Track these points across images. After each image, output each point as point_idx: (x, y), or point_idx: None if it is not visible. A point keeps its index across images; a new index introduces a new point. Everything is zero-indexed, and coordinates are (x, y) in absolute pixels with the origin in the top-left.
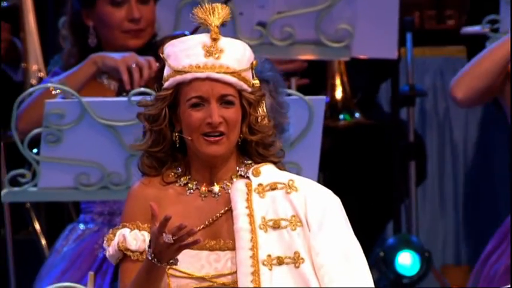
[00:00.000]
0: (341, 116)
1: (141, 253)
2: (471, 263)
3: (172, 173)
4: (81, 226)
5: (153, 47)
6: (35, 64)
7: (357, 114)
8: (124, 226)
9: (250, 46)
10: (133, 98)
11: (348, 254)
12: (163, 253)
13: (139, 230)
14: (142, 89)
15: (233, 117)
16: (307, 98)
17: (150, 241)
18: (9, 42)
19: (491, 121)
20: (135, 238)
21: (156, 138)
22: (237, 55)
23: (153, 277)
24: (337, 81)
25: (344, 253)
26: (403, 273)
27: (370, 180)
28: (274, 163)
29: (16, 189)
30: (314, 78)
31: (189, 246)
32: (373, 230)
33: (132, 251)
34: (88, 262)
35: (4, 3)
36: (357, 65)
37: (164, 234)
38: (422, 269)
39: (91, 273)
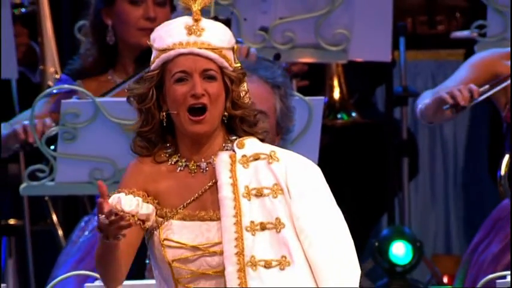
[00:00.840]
0: (339, 115)
1: (133, 215)
2: (460, 252)
3: (163, 153)
4: (96, 218)
5: None
6: (52, 66)
7: (354, 114)
8: (120, 191)
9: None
10: None
11: (327, 218)
12: (105, 231)
13: (134, 196)
14: None
15: (215, 91)
16: (307, 98)
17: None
18: (28, 46)
19: (478, 120)
20: (130, 201)
21: (145, 117)
22: (218, 34)
23: (105, 250)
24: (335, 83)
25: (323, 217)
26: (397, 262)
27: (365, 175)
28: (260, 140)
29: (34, 183)
30: (313, 79)
31: (124, 228)
32: (369, 222)
33: (125, 212)
34: None
35: (23, 10)
36: (354, 69)
37: (102, 216)
38: (415, 258)
39: None
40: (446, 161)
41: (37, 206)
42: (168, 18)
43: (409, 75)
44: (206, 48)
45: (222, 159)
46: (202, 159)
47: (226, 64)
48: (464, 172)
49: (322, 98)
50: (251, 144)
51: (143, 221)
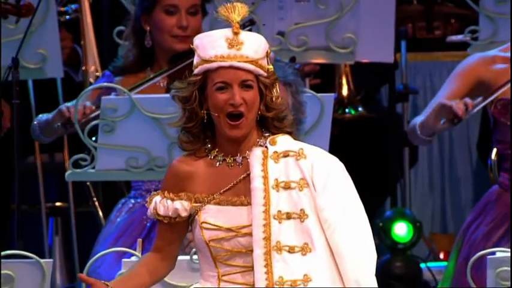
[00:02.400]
0: (347, 110)
1: (170, 218)
2: (455, 231)
3: (203, 149)
4: (132, 201)
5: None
6: (93, 67)
7: (360, 109)
8: (157, 194)
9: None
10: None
11: (348, 208)
12: None
13: (167, 199)
14: None
15: (252, 99)
16: (319, 95)
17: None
18: (72, 49)
19: (470, 116)
20: (163, 205)
21: (189, 116)
22: (254, 46)
23: None
24: (344, 81)
25: (344, 208)
26: (399, 241)
27: (371, 163)
28: (289, 133)
29: (78, 170)
30: (324, 78)
31: None
32: (374, 205)
33: (162, 216)
34: (138, 230)
35: (67, 17)
36: (361, 69)
37: None
38: (414, 236)
39: (139, 240)
40: (442, 151)
41: (80, 191)
42: (199, 26)
43: (409, 74)
44: (245, 61)
45: (256, 154)
46: (238, 154)
47: (261, 72)
48: (458, 161)
49: (332, 94)
50: (282, 142)
51: (176, 217)
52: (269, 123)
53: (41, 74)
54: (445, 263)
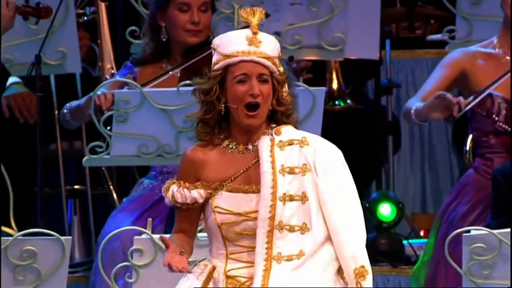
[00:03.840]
0: (336, 102)
1: (188, 204)
2: (434, 211)
3: (217, 139)
4: (147, 181)
5: (207, 44)
6: (109, 63)
7: (349, 101)
8: (174, 183)
9: None
10: (182, 89)
11: (344, 191)
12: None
13: (183, 189)
14: (188, 81)
15: (267, 92)
16: (311, 88)
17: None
18: (89, 47)
19: None
20: (180, 193)
21: (208, 108)
22: (270, 46)
23: None
24: (334, 76)
25: (341, 191)
26: (383, 220)
27: (358, 150)
28: (294, 126)
29: (94, 156)
30: (316, 73)
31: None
32: (360, 187)
33: (180, 203)
34: (145, 201)
35: (85, 18)
36: (349, 65)
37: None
38: (397, 216)
39: (149, 219)
40: (422, 139)
41: (96, 175)
42: (209, 21)
43: (393, 70)
44: (263, 57)
45: (264, 142)
46: (249, 143)
47: (275, 69)
48: (437, 147)
49: (323, 88)
50: (286, 132)
51: (193, 203)
52: (278, 118)
53: (61, 69)
54: (425, 240)
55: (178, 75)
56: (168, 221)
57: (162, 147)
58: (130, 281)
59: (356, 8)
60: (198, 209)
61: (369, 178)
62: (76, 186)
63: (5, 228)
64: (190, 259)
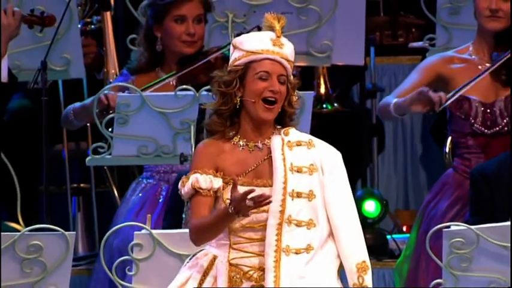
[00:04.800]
0: (324, 105)
1: (209, 190)
2: (416, 208)
3: (228, 133)
4: (144, 181)
5: (200, 54)
6: (113, 68)
7: (335, 104)
8: (195, 172)
9: None
10: (179, 93)
11: (345, 192)
12: (242, 210)
13: (207, 175)
14: (185, 86)
15: (284, 92)
16: (300, 92)
17: (231, 201)
18: (96, 54)
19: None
20: (204, 180)
21: (226, 99)
22: (290, 51)
23: (225, 223)
24: (321, 81)
25: (343, 191)
26: (368, 216)
27: (344, 150)
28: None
29: (97, 156)
30: (305, 78)
31: (262, 206)
32: None
33: (203, 189)
34: (152, 206)
35: (92, 27)
36: (336, 71)
37: (247, 200)
38: (382, 212)
39: (149, 215)
40: (405, 140)
41: (99, 174)
42: (203, 32)
43: (377, 75)
44: (285, 59)
45: (276, 140)
46: (259, 141)
47: (290, 73)
48: (419, 148)
49: (311, 92)
50: (293, 133)
51: (216, 192)
52: (285, 119)
53: (66, 75)
54: (407, 235)
55: (174, 83)
56: (167, 215)
57: (160, 147)
58: (130, 273)
59: (342, 17)
60: (214, 199)
61: (354, 177)
62: (80, 185)
63: (12, 224)
64: (186, 252)
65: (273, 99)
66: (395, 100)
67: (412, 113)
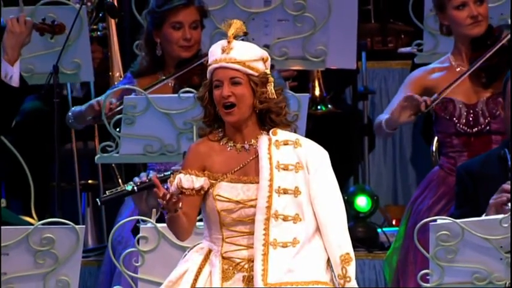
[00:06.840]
0: (318, 107)
1: (192, 189)
2: (404, 203)
3: (217, 135)
4: None
5: (197, 58)
6: (117, 72)
7: (329, 106)
8: (180, 172)
9: None
10: (182, 95)
11: (331, 188)
12: (166, 208)
13: (190, 175)
14: (188, 89)
15: (239, 92)
16: (297, 95)
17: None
18: (102, 59)
19: None
20: (187, 180)
21: (205, 112)
22: (242, 51)
23: (171, 219)
24: (316, 84)
25: (328, 188)
26: (360, 211)
27: (338, 149)
28: (288, 125)
29: (105, 155)
30: (301, 81)
31: (176, 204)
32: (340, 182)
33: (185, 188)
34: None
35: (99, 33)
36: (330, 74)
37: (160, 200)
38: (373, 207)
39: (154, 210)
40: (394, 139)
41: (107, 171)
42: (200, 37)
43: (368, 78)
44: (232, 62)
45: (263, 140)
46: (245, 142)
47: (251, 72)
48: (407, 147)
49: (307, 94)
50: (282, 133)
51: (199, 190)
52: (265, 117)
53: (76, 78)
54: (396, 228)
55: (172, 84)
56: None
57: (165, 146)
58: (136, 264)
59: (336, 24)
60: (201, 197)
61: (347, 174)
62: (89, 181)
63: (27, 218)
64: (188, 244)
65: (228, 103)
66: (385, 118)
67: (401, 124)
